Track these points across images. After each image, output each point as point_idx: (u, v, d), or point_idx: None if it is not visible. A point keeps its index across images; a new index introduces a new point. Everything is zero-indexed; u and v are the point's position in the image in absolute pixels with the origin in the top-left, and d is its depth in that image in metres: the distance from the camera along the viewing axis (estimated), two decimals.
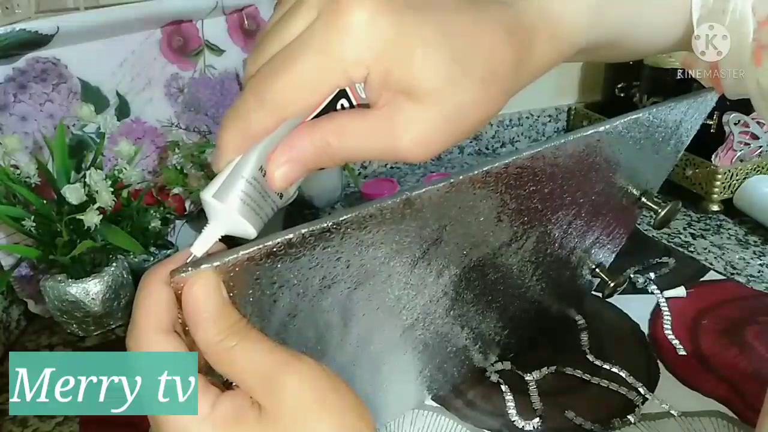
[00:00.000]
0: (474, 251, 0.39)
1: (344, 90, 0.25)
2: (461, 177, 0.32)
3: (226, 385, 0.26)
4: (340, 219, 0.27)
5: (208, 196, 0.25)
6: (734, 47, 0.33)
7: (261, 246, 0.25)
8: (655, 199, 0.49)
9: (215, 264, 0.24)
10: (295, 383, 0.24)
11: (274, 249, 0.26)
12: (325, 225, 0.27)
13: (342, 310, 0.34)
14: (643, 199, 0.49)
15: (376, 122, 0.25)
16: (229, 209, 0.25)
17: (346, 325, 0.35)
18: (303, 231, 0.26)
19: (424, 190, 0.30)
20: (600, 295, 0.58)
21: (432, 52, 0.24)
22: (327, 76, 0.24)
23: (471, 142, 1.08)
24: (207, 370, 0.25)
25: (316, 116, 0.25)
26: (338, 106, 0.25)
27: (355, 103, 0.25)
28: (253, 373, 0.24)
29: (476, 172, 0.32)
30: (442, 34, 0.24)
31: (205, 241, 0.26)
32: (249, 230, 0.26)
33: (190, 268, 0.24)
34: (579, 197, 0.43)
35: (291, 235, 0.26)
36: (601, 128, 0.37)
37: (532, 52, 0.27)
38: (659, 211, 0.49)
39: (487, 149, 1.10)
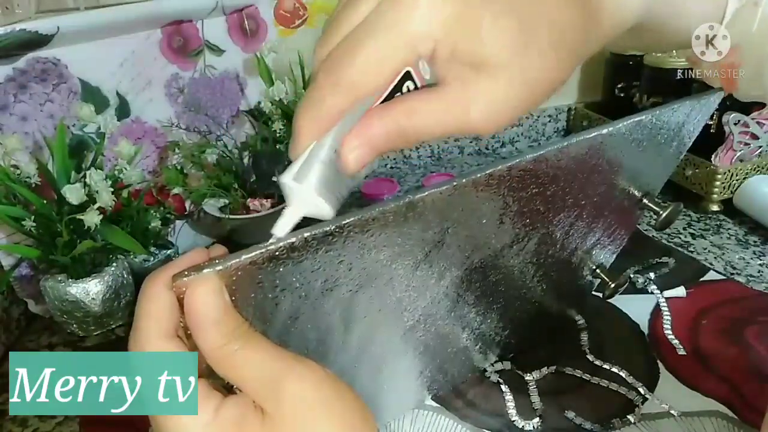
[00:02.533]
0: (476, 253, 0.39)
1: (409, 72, 0.25)
2: (464, 180, 0.31)
3: (228, 389, 0.26)
4: (343, 222, 0.27)
5: (288, 179, 0.26)
6: (759, 42, 0.33)
7: (263, 250, 0.25)
8: (657, 201, 0.49)
9: (218, 268, 0.24)
10: (298, 387, 0.24)
11: (277, 253, 0.26)
12: (328, 229, 0.27)
13: (344, 313, 0.34)
14: (645, 200, 0.49)
15: (445, 99, 0.25)
16: (308, 191, 0.25)
17: (348, 327, 0.35)
18: (306, 235, 0.26)
19: (426, 193, 0.30)
20: (600, 295, 0.58)
21: (498, 22, 0.24)
22: (397, 53, 0.24)
23: (471, 142, 1.08)
24: (209, 374, 0.25)
25: (384, 101, 0.25)
26: (404, 89, 0.25)
27: (419, 84, 0.26)
28: (255, 377, 0.24)
29: (479, 174, 0.32)
30: (507, 3, 0.24)
31: (287, 222, 0.26)
32: (327, 210, 0.26)
33: (192, 273, 0.24)
34: (581, 199, 0.43)
35: (294, 239, 0.26)
36: (604, 130, 0.37)
37: (598, 17, 0.27)
38: (661, 212, 0.49)
39: (487, 149, 1.10)
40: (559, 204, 0.41)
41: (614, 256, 0.57)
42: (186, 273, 0.24)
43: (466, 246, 0.38)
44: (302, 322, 0.31)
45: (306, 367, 0.25)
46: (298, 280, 0.28)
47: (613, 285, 0.54)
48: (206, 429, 0.24)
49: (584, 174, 0.40)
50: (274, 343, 0.26)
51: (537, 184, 0.37)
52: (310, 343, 0.33)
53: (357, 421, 0.25)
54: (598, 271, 0.55)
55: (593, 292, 0.63)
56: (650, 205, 0.48)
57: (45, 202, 0.58)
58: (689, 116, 0.43)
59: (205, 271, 0.24)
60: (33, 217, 0.57)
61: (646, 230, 0.79)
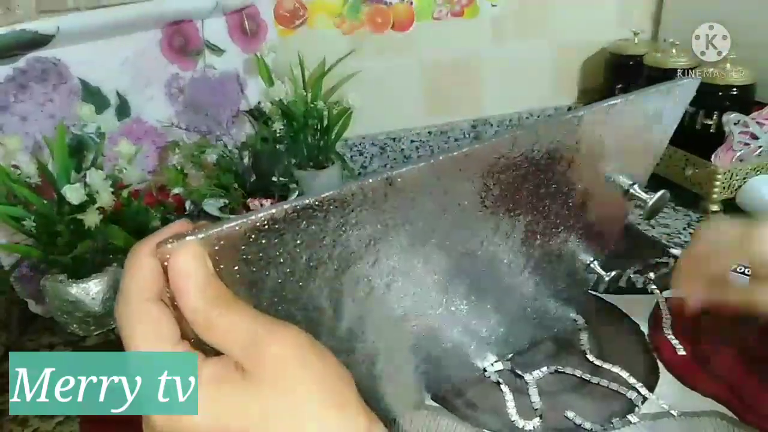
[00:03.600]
0: (461, 238, 0.39)
1: None
2: (441, 157, 0.32)
3: None
4: (323, 196, 0.28)
5: None
6: None
7: (245, 219, 0.26)
8: (645, 191, 0.49)
9: (200, 236, 0.25)
10: (278, 346, 0.25)
11: (258, 223, 0.26)
12: (308, 202, 0.28)
13: (331, 294, 0.34)
14: (632, 190, 0.49)
15: None
16: None
17: (336, 312, 0.35)
18: (285, 206, 0.27)
19: (404, 169, 0.31)
20: (599, 294, 0.58)
21: None
22: None
23: (471, 142, 1.08)
24: (197, 346, 0.26)
25: None
26: None
27: None
28: (237, 339, 0.25)
29: (455, 153, 0.33)
30: None
31: None
32: None
33: (175, 240, 0.25)
34: (564, 185, 0.43)
35: (274, 210, 0.27)
36: (580, 113, 0.38)
37: None
38: (647, 201, 0.48)
39: None
40: (543, 190, 0.41)
41: (608, 250, 0.57)
42: (170, 240, 0.25)
43: (450, 229, 0.38)
44: (289, 301, 0.31)
45: (286, 328, 0.26)
46: (281, 255, 0.29)
47: (608, 279, 0.54)
48: None
49: (564, 158, 0.40)
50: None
51: (516, 166, 0.37)
52: (298, 326, 0.34)
53: (336, 381, 0.26)
54: (592, 266, 0.55)
55: (591, 292, 0.63)
56: (637, 194, 0.48)
57: (45, 202, 0.58)
58: (666, 102, 0.43)
59: (187, 238, 0.25)
60: (33, 217, 0.57)
61: (645, 230, 0.79)
